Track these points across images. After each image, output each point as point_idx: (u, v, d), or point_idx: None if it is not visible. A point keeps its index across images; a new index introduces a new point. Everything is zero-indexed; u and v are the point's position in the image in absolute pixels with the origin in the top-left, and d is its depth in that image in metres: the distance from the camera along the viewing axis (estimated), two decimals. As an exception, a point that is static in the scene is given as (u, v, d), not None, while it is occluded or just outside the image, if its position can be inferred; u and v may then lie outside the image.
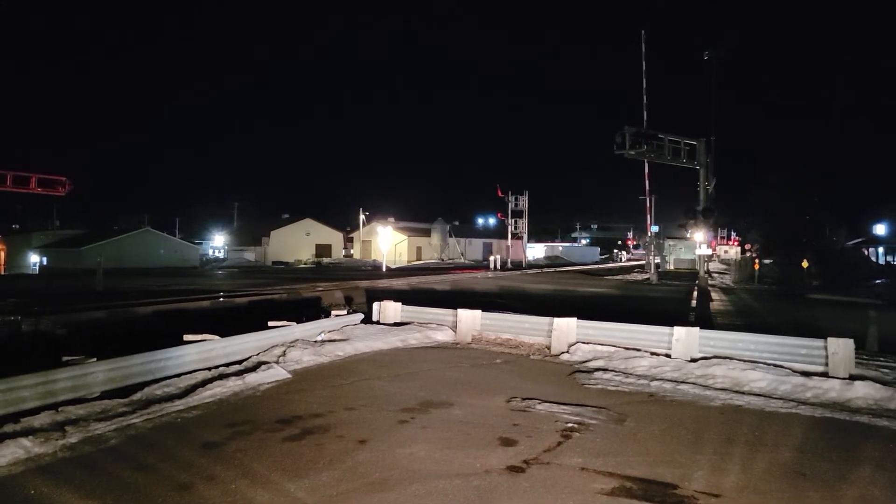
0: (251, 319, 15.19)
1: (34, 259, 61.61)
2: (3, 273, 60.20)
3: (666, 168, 40.51)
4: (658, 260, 49.39)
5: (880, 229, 66.35)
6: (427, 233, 72.59)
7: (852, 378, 10.34)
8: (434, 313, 16.44)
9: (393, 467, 6.68)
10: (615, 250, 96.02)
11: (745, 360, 11.37)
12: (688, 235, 44.70)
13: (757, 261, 43.38)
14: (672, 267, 56.71)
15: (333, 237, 77.20)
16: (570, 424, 8.29)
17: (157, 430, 7.96)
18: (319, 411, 8.79)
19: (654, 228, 49.86)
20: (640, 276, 46.19)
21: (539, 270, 53.75)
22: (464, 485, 6.20)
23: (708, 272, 42.60)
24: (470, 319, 15.30)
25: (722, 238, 59.53)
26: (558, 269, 56.62)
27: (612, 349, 12.85)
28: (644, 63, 41.24)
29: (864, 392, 9.62)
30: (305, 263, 64.65)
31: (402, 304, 17.02)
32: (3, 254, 65.04)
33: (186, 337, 11.97)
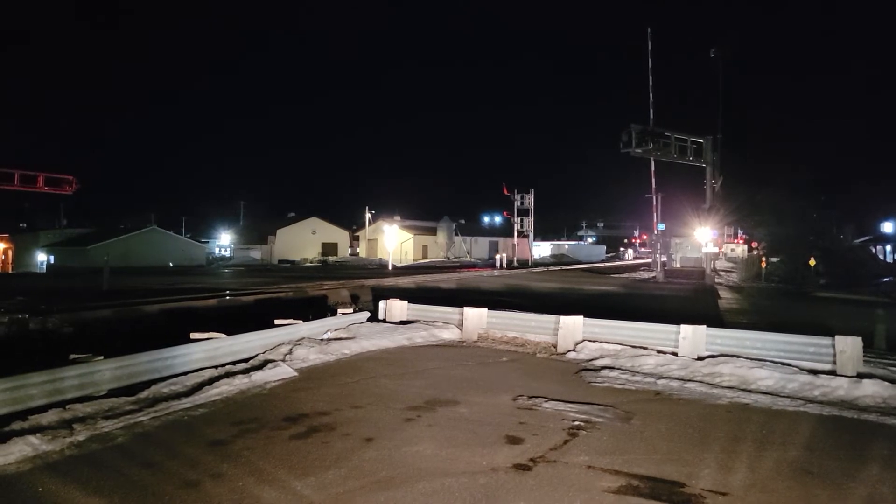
0: (257, 318, 15.21)
1: (41, 258, 61.88)
2: (10, 271, 60.55)
3: (672, 166, 40.52)
4: (664, 258, 49.23)
5: (888, 227, 65.92)
6: (433, 231, 72.60)
7: (860, 376, 10.28)
8: (440, 312, 16.43)
9: (399, 465, 6.68)
10: (621, 248, 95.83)
11: (752, 359, 11.32)
12: (694, 233, 44.60)
13: (764, 259, 43.20)
14: (678, 265, 56.54)
15: (339, 236, 77.37)
16: (576, 423, 8.27)
17: (164, 427, 7.98)
18: (326, 409, 8.80)
19: (661, 227, 49.64)
20: (646, 275, 46.10)
21: (545, 269, 53.66)
22: (470, 483, 6.20)
23: (714, 270, 42.48)
24: (476, 318, 15.30)
25: (729, 236, 59.21)
26: (564, 268, 56.53)
27: (619, 347, 12.82)
28: (650, 61, 41.13)
29: (872, 390, 9.57)
30: (311, 262, 64.84)
31: (408, 302, 17.01)
32: (10, 252, 65.42)
33: (193, 335, 12.01)
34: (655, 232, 49.45)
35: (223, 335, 12.01)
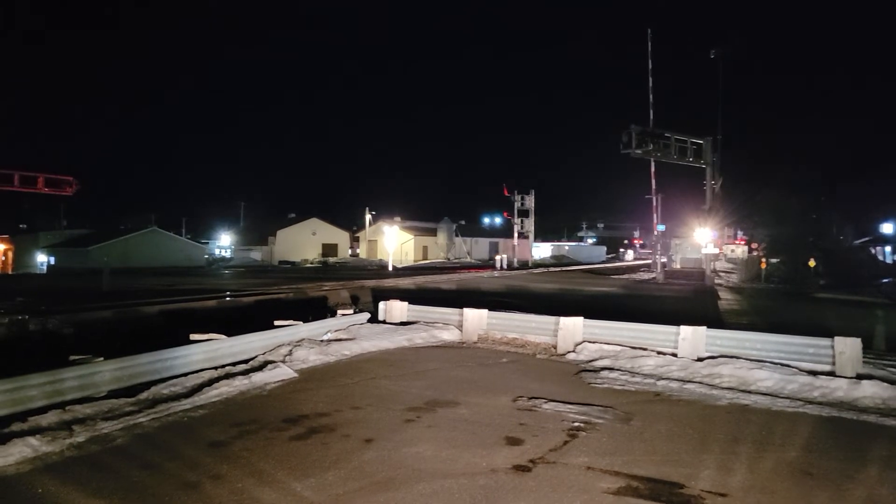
0: (257, 319, 15.22)
1: (41, 259, 61.89)
2: (10, 272, 60.55)
3: (672, 167, 40.54)
4: (664, 259, 49.24)
5: (887, 228, 65.97)
6: (433, 232, 72.61)
7: (860, 377, 10.29)
8: (440, 313, 16.42)
9: (399, 466, 6.68)
10: (621, 249, 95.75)
11: (751, 360, 11.33)
12: (694, 234, 44.63)
13: (764, 260, 43.22)
14: (678, 266, 56.57)
15: (339, 237, 77.43)
16: (576, 424, 8.28)
17: (163, 429, 7.98)
18: (325, 410, 8.81)
19: (661, 227, 49.66)
20: (646, 276, 46.10)
21: (545, 270, 53.68)
22: (470, 484, 6.20)
23: (714, 271, 42.49)
24: (476, 319, 15.30)
25: (729, 237, 59.23)
26: (564, 269, 56.54)
27: (619, 348, 12.82)
28: (650, 62, 41.14)
29: (871, 391, 9.57)
30: (312, 263, 64.82)
31: (409, 303, 17.01)
32: (11, 254, 65.39)
33: (193, 336, 11.99)
34: (655, 233, 49.48)
35: (223, 336, 12.00)
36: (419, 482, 6.24)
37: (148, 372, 9.99)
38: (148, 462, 6.75)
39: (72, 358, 9.53)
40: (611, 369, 11.65)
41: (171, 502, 5.80)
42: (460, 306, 15.76)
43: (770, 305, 27.55)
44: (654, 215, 47.79)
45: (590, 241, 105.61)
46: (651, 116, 39.78)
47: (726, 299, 29.20)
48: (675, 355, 12.20)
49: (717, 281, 40.23)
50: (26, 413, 7.97)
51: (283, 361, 11.59)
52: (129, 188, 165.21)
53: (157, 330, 16.47)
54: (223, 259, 69.77)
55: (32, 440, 7.07)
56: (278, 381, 10.49)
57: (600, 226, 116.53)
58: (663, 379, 10.86)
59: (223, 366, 11.15)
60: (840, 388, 9.83)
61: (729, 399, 9.65)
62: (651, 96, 40.39)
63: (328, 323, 15.14)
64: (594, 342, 13.34)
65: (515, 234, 63.94)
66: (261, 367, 11.01)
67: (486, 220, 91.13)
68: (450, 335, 15.08)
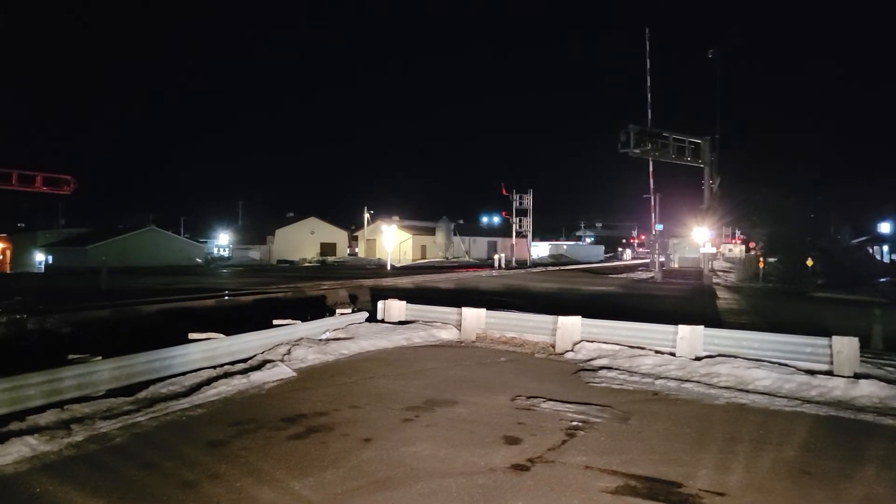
0: (256, 318, 15.21)
1: (39, 258, 61.84)
2: (8, 272, 60.45)
3: (671, 166, 40.62)
4: (662, 258, 49.28)
5: (885, 228, 66.08)
6: (431, 231, 72.56)
7: (857, 376, 10.30)
8: (439, 312, 16.43)
9: (397, 466, 6.69)
10: (619, 249, 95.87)
11: (749, 359, 11.35)
12: (692, 233, 44.67)
13: (761, 259, 43.27)
14: (677, 265, 56.61)
15: (338, 236, 77.39)
16: (574, 423, 8.29)
17: (162, 428, 7.98)
18: (324, 410, 8.81)
19: (659, 227, 49.72)
20: (644, 275, 46.10)
21: (544, 269, 53.69)
22: (468, 483, 6.21)
23: (712, 270, 42.52)
24: (474, 318, 15.30)
25: (727, 236, 59.31)
26: (563, 268, 56.56)
27: (617, 347, 12.83)
28: (648, 61, 41.20)
29: (868, 390, 9.59)
30: (310, 262, 64.80)
31: (407, 302, 17.01)
32: (8, 252, 65.29)
33: (191, 335, 11.99)
34: (654, 232, 49.55)
35: (221, 335, 11.99)
36: (417, 481, 6.25)
37: (146, 371, 9.99)
38: (146, 461, 6.75)
39: (70, 357, 9.52)
40: (609, 368, 11.66)
41: (169, 501, 5.80)
42: (459, 305, 15.77)
43: (768, 305, 27.57)
44: (653, 215, 47.88)
45: (588, 240, 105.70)
46: (649, 116, 39.91)
47: (724, 298, 29.23)
48: (673, 354, 12.21)
49: (715, 280, 40.27)
50: (24, 412, 7.97)
51: (282, 360, 11.59)
52: (128, 188, 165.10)
53: (155, 329, 16.46)
54: (222, 258, 69.69)
55: (31, 439, 7.07)
56: (277, 381, 10.49)
57: (598, 225, 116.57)
58: (661, 378, 10.87)
59: (221, 365, 11.15)
60: (838, 388, 9.84)
61: (727, 398, 9.66)
62: (649, 96, 40.53)
63: (327, 322, 15.14)
64: (592, 341, 13.35)
65: (514, 234, 63.96)
66: (259, 367, 11.01)
67: (485, 220, 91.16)
68: (448, 334, 15.09)
